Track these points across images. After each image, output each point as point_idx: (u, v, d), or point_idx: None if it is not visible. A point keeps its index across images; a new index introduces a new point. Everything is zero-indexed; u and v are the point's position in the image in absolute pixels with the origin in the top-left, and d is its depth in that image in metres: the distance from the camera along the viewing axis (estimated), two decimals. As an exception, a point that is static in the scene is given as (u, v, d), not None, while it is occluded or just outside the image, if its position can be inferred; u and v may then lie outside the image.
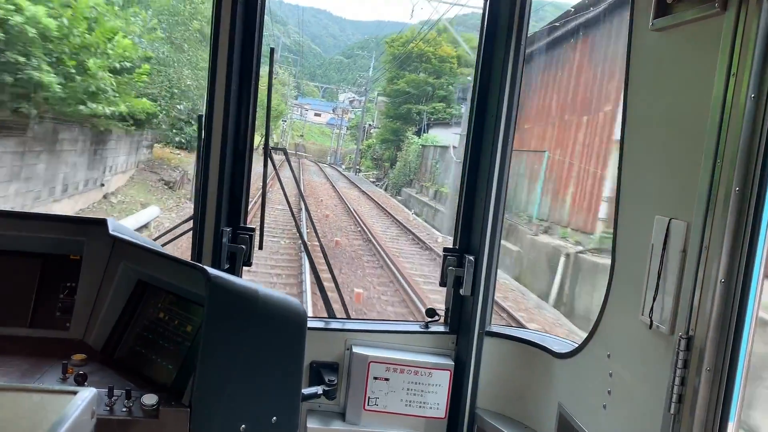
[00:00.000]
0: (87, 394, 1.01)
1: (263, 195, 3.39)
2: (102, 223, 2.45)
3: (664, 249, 1.97)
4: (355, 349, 3.12)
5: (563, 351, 2.78)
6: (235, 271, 3.01)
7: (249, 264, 3.08)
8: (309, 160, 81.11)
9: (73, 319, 2.41)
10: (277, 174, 3.95)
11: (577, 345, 2.66)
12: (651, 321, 2.01)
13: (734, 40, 1.73)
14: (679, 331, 1.87)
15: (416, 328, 3.30)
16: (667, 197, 2.02)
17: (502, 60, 2.95)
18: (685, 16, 1.92)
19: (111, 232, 2.38)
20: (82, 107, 15.63)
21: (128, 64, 17.47)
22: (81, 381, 2.00)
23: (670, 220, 1.96)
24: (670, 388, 1.87)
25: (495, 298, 3.24)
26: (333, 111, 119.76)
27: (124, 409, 1.87)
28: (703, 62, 1.87)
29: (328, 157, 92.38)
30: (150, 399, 1.89)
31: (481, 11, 3.11)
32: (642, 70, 2.19)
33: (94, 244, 2.49)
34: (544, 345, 2.95)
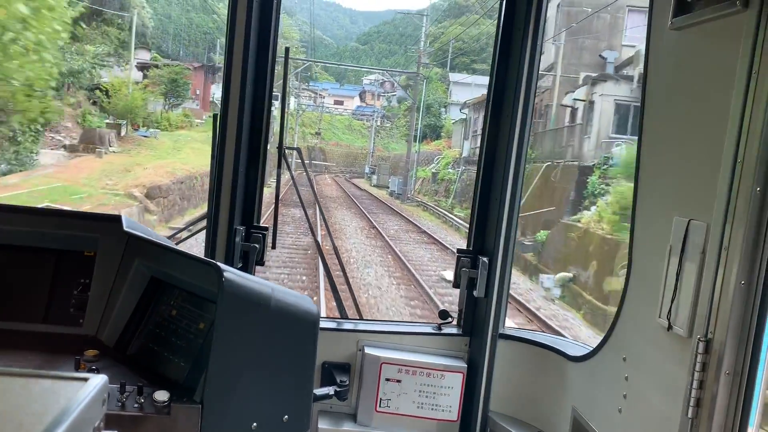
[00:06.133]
0: (98, 381, 1.01)
1: (277, 194, 3.39)
2: (116, 219, 2.46)
3: (682, 250, 1.94)
4: (368, 350, 3.10)
5: (578, 354, 2.74)
6: (248, 269, 3.01)
7: (262, 263, 3.08)
8: (331, 175, 51.61)
9: (86, 315, 2.42)
10: (293, 179, 3.93)
11: (592, 348, 2.63)
12: (669, 323, 1.97)
13: (756, 39, 1.70)
14: (698, 334, 1.84)
15: (429, 329, 3.28)
16: (687, 198, 1.99)
17: (518, 58, 2.93)
18: (705, 14, 1.90)
19: (125, 228, 2.39)
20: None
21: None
22: None
23: (689, 221, 1.93)
24: (688, 392, 1.84)
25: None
26: (360, 97, 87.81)
27: (136, 405, 1.87)
28: (723, 61, 1.84)
29: (366, 170, 58.26)
30: (162, 395, 1.88)
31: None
32: (661, 70, 2.16)
33: (108, 241, 2.50)
34: (558, 348, 2.91)
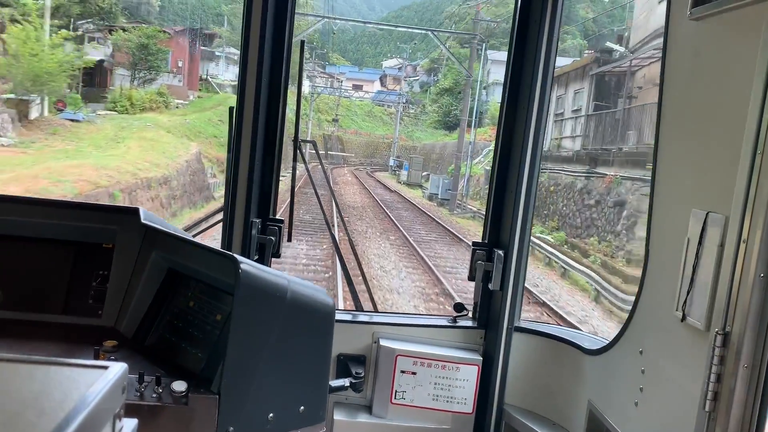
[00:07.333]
0: (118, 368, 1.03)
1: (292, 187, 3.40)
2: (134, 212, 2.49)
3: (700, 243, 1.92)
4: (383, 342, 3.11)
5: (594, 347, 2.73)
6: (264, 262, 3.03)
7: (278, 255, 3.10)
8: (351, 167, 43.86)
9: (105, 307, 2.45)
10: (308, 172, 3.94)
11: (608, 341, 2.62)
12: (686, 316, 1.96)
13: None
14: (716, 327, 1.82)
15: (444, 322, 3.28)
16: (705, 190, 1.97)
17: (535, 50, 2.91)
18: (725, 3, 1.87)
19: (143, 221, 2.41)
20: None
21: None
22: None
23: (707, 213, 1.91)
24: (706, 385, 1.82)
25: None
26: (381, 81, 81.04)
27: (154, 395, 1.89)
28: (743, 51, 1.81)
29: (391, 162, 49.95)
30: (179, 386, 1.91)
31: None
32: (679, 60, 2.14)
33: (126, 233, 2.53)
34: (574, 341, 2.90)
